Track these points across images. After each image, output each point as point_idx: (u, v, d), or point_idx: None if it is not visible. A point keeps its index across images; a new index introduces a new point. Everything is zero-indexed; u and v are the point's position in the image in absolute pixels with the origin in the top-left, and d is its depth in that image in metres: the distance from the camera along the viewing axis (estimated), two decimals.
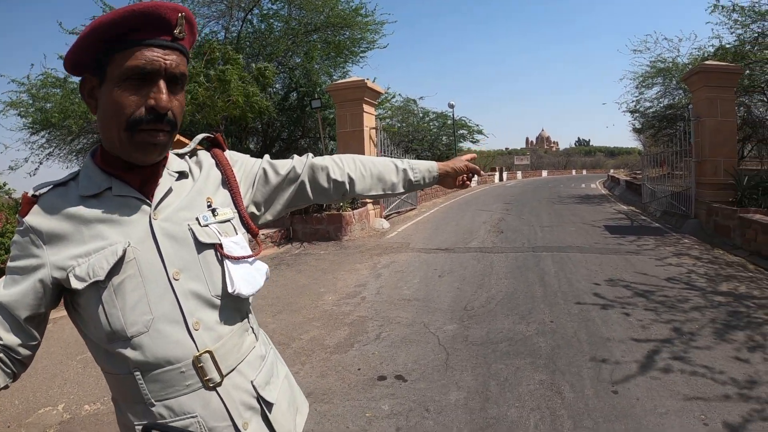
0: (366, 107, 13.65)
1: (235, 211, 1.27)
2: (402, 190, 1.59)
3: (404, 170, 1.57)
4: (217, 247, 1.17)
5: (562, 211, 16.46)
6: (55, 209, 1.10)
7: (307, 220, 11.41)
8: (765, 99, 16.87)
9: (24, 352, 1.11)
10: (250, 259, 1.22)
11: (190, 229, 1.15)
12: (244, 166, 1.36)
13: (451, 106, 34.12)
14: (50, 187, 1.14)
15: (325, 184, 1.45)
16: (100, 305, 1.07)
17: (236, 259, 1.19)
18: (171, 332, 1.09)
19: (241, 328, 1.22)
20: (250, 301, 1.29)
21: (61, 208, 1.10)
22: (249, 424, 1.17)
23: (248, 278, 1.20)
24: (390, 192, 1.57)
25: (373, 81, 13.93)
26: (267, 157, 1.44)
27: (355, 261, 9.08)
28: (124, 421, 1.16)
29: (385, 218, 13.86)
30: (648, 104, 22.04)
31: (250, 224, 1.29)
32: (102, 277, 1.06)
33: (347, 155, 1.55)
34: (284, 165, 1.41)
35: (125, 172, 1.14)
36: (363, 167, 1.52)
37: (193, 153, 1.31)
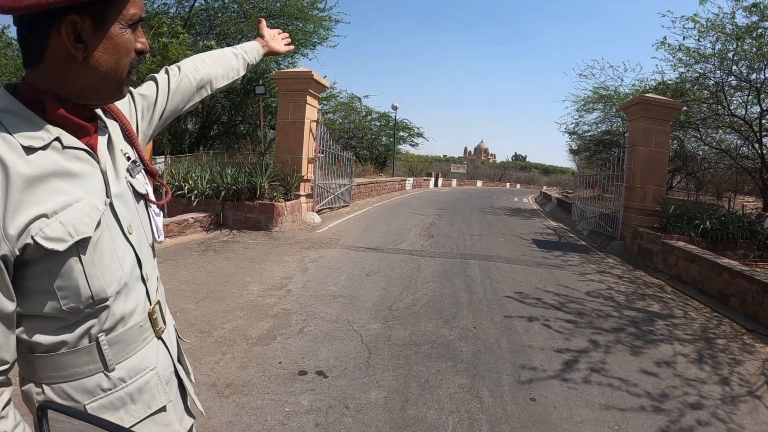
0: (310, 99, 13.49)
1: (135, 152, 1.23)
2: (243, 72, 1.74)
3: (242, 56, 1.71)
4: (146, 197, 1.19)
5: (493, 221, 16.78)
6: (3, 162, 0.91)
7: (238, 208, 11.16)
8: (698, 136, 17.82)
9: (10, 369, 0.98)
10: (156, 206, 1.24)
11: (128, 182, 1.12)
12: (132, 115, 1.29)
13: (395, 108, 34.31)
14: None
15: (189, 83, 1.46)
16: (77, 267, 0.97)
17: (158, 208, 1.23)
18: (134, 287, 1.09)
19: (156, 267, 1.23)
20: None
21: (6, 159, 0.91)
22: (180, 367, 1.21)
23: (160, 226, 1.23)
24: (236, 76, 1.69)
25: (325, 77, 13.80)
26: (131, 89, 1.32)
27: (284, 253, 8.94)
28: (76, 398, 1.03)
29: (317, 212, 13.74)
30: (587, 127, 23.00)
31: (149, 166, 1.26)
32: (90, 234, 0.98)
33: (191, 58, 1.55)
34: (150, 87, 1.38)
35: (65, 120, 1.02)
36: (215, 61, 1.58)
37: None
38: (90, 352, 1.01)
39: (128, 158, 1.16)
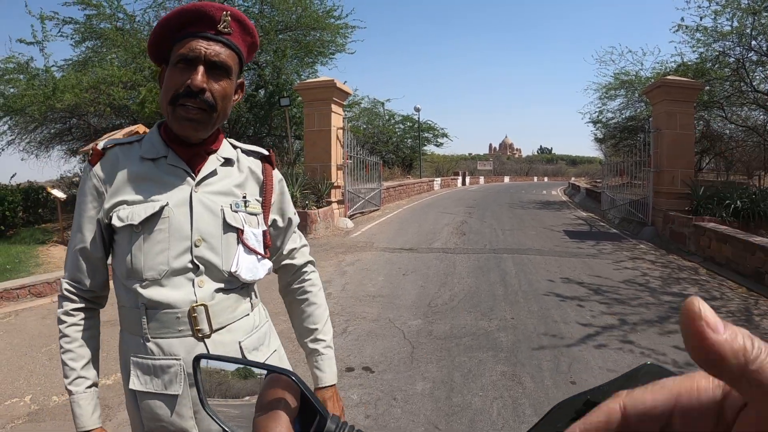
0: (334, 107, 13.74)
1: (262, 214, 1.46)
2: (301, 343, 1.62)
3: (319, 352, 1.56)
4: (239, 232, 1.36)
5: (523, 215, 16.81)
6: (118, 162, 1.33)
7: None
8: (723, 114, 17.55)
9: (103, 292, 1.43)
10: (258, 256, 1.40)
11: (222, 210, 1.34)
12: (282, 201, 1.55)
13: (417, 110, 34.42)
14: (117, 143, 1.37)
15: (283, 279, 1.65)
16: (129, 246, 1.29)
17: (249, 249, 1.37)
18: (178, 283, 1.28)
19: (239, 295, 1.37)
20: (256, 284, 1.47)
21: (124, 162, 1.32)
22: None
23: (251, 267, 1.37)
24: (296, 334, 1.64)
25: (345, 83, 14.04)
26: (297, 220, 1.65)
27: (321, 258, 9.15)
28: (122, 350, 1.36)
29: (349, 218, 13.96)
30: (610, 115, 22.75)
31: (267, 235, 1.47)
32: (136, 223, 1.27)
33: (320, 291, 1.65)
34: (293, 241, 1.62)
35: (179, 146, 1.35)
36: (305, 314, 1.60)
37: (250, 153, 1.49)
38: (137, 317, 1.28)
39: (243, 197, 1.40)
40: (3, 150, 17.59)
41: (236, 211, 1.36)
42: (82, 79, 13.77)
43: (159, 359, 1.26)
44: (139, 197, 1.29)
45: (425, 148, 40.10)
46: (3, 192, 11.91)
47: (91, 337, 1.38)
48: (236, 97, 1.40)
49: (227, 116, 1.38)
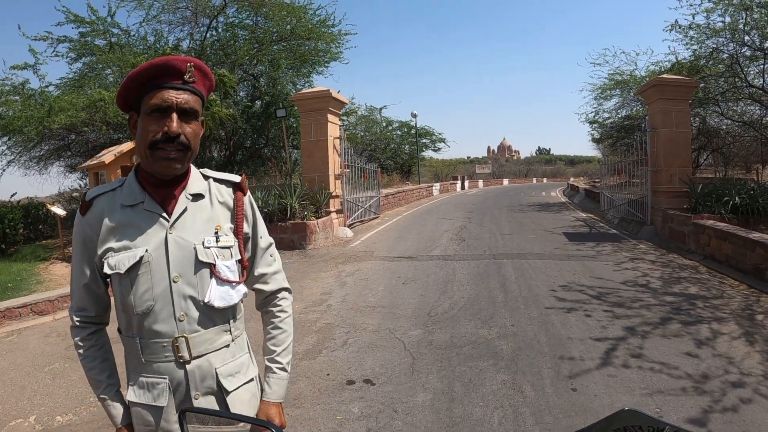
0: (330, 117, 13.78)
1: (236, 240, 1.60)
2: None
3: (272, 371, 1.69)
4: (212, 267, 1.52)
5: (522, 219, 16.82)
6: (104, 212, 1.51)
7: (271, 229, 11.39)
8: (719, 110, 17.59)
9: (107, 312, 1.66)
10: (232, 284, 1.56)
11: (194, 249, 1.51)
12: (253, 225, 1.70)
13: (414, 116, 34.53)
14: (101, 192, 1.55)
15: (257, 300, 1.80)
16: (119, 288, 1.49)
17: (222, 281, 1.53)
18: (163, 317, 1.47)
19: (219, 329, 1.56)
20: (237, 314, 1.64)
21: (108, 211, 1.51)
22: (199, 396, 1.51)
23: (224, 296, 1.53)
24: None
25: (338, 92, 14.08)
26: (269, 241, 1.77)
27: (320, 269, 9.17)
28: (127, 366, 1.57)
29: (348, 227, 13.97)
30: (606, 115, 22.78)
31: (243, 261, 1.63)
32: (122, 271, 1.46)
33: (288, 318, 1.78)
34: (266, 265, 1.75)
35: (153, 188, 1.52)
36: (273, 337, 1.74)
37: (221, 182, 1.65)
38: (133, 344, 1.51)
39: (215, 232, 1.55)
40: (3, 171, 17.71)
41: (208, 247, 1.52)
42: (77, 102, 13.83)
43: (151, 377, 1.50)
44: (123, 244, 1.48)
45: (423, 153, 40.20)
46: (3, 210, 11.94)
47: (107, 352, 1.63)
48: (201, 131, 1.56)
49: (197, 151, 1.55)
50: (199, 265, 1.50)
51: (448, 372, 4.47)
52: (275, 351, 1.70)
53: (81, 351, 1.58)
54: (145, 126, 1.44)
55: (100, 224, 1.51)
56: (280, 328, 1.74)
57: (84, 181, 20.84)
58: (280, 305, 1.76)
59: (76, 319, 1.59)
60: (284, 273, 1.84)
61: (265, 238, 1.74)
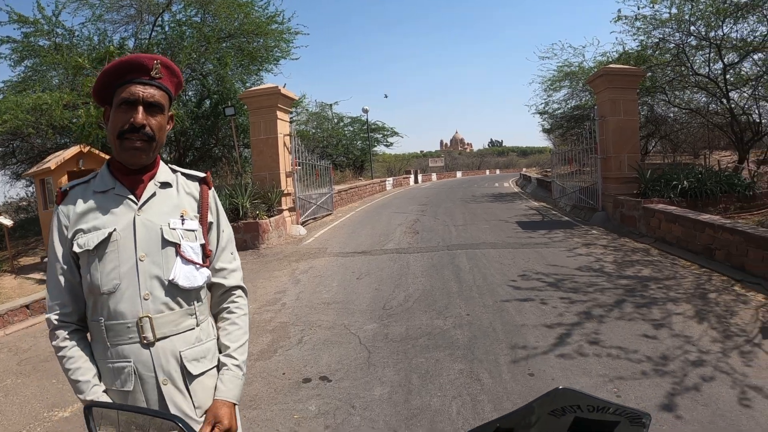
0: (280, 114, 13.60)
1: (200, 227, 1.68)
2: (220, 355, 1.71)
3: (228, 362, 1.67)
4: (177, 247, 1.59)
5: (475, 209, 16.97)
6: (77, 199, 1.59)
7: None
8: (666, 99, 18.12)
9: (82, 313, 1.61)
10: (197, 266, 1.63)
11: (161, 229, 1.58)
12: (217, 217, 1.77)
13: (365, 111, 34.50)
14: (76, 183, 1.63)
15: (213, 298, 1.79)
16: (88, 267, 1.53)
17: (186, 260, 1.60)
18: (128, 296, 1.51)
19: (183, 311, 1.59)
20: (202, 298, 1.67)
21: (81, 198, 1.59)
22: (167, 382, 1.53)
23: (188, 276, 1.59)
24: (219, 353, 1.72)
25: (283, 86, 13.91)
26: (230, 233, 1.82)
27: (274, 268, 9.05)
28: (96, 359, 1.57)
29: (301, 225, 13.83)
30: (556, 106, 23.21)
31: (206, 247, 1.69)
32: (91, 248, 1.52)
33: (244, 316, 1.79)
34: (226, 260, 1.77)
35: (124, 176, 1.61)
36: (229, 333, 1.73)
37: (189, 176, 1.75)
38: (99, 328, 1.54)
39: (181, 216, 1.64)
40: None
41: (174, 229, 1.59)
42: (22, 102, 13.30)
43: (116, 362, 1.51)
44: (93, 225, 1.55)
45: (375, 148, 40.19)
46: None
47: (91, 353, 1.58)
48: (168, 126, 1.67)
49: (163, 144, 1.67)
50: (165, 243, 1.57)
51: (404, 364, 4.44)
52: (230, 347, 1.68)
53: (62, 352, 1.54)
54: (115, 118, 1.55)
55: (74, 209, 1.58)
56: (236, 324, 1.73)
57: (30, 189, 20.14)
58: (237, 302, 1.77)
59: (54, 317, 1.56)
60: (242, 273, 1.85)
61: (227, 232, 1.80)
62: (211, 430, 1.47)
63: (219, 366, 1.66)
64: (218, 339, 1.71)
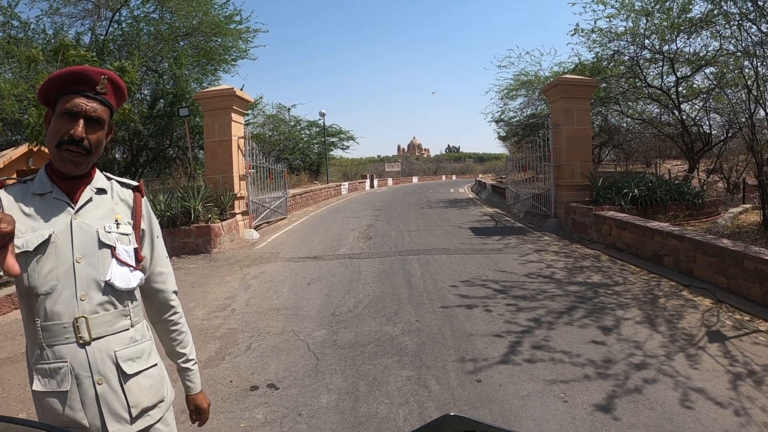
0: (235, 116, 13.45)
1: (133, 232, 1.73)
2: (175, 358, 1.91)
3: (184, 363, 1.90)
4: (112, 249, 1.63)
5: (430, 215, 17.11)
6: (17, 196, 1.58)
7: (174, 233, 10.99)
8: (620, 109, 18.68)
9: None
10: (131, 268, 1.67)
11: (97, 232, 1.62)
12: (149, 224, 1.83)
13: (322, 115, 34.50)
14: (15, 182, 1.63)
15: (152, 305, 1.87)
16: (26, 268, 1.52)
17: (121, 262, 1.65)
18: (65, 297, 1.54)
19: (118, 312, 1.64)
20: (136, 299, 1.72)
21: (20, 198, 1.58)
22: (102, 381, 1.56)
23: (124, 277, 1.64)
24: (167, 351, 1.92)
25: (241, 89, 13.78)
26: (162, 243, 1.88)
27: (225, 273, 8.94)
28: (28, 360, 1.60)
29: (254, 229, 13.70)
30: (512, 114, 23.74)
31: (139, 251, 1.74)
32: (31, 249, 1.51)
33: (184, 318, 1.94)
34: (162, 265, 1.87)
35: (62, 180, 1.63)
36: (171, 338, 1.90)
37: (123, 184, 1.79)
38: (35, 329, 1.54)
39: (116, 221, 1.68)
40: None
41: (109, 232, 1.63)
42: None
43: (52, 363, 1.52)
44: (31, 226, 1.54)
45: (332, 152, 40.20)
46: None
47: None
48: (108, 137, 1.70)
49: (99, 155, 1.68)
50: (101, 246, 1.61)
51: (352, 371, 4.45)
52: (185, 352, 1.89)
53: None
54: (56, 126, 1.57)
55: (11, 206, 1.57)
56: (183, 331, 1.91)
57: None
58: (178, 311, 1.90)
59: None
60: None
61: (161, 238, 1.88)
62: (198, 416, 1.94)
63: (182, 371, 1.88)
64: (170, 346, 1.89)
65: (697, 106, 16.75)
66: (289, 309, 6.45)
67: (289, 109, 33.92)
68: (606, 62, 15.76)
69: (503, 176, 30.88)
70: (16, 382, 4.70)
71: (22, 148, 11.38)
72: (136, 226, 1.75)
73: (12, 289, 7.47)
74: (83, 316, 1.55)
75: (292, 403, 3.91)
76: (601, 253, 9.32)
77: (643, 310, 5.89)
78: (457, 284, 7.27)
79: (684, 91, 15.83)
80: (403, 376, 4.31)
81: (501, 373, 4.30)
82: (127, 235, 1.69)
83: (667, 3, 13.24)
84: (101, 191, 1.71)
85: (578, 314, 5.78)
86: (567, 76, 14.08)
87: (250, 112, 15.34)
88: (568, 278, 7.45)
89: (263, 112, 29.65)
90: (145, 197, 1.84)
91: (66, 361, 1.53)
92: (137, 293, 1.73)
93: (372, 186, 44.64)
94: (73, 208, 1.62)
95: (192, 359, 1.91)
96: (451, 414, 0.82)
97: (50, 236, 1.54)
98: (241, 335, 5.57)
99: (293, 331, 5.59)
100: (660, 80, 15.69)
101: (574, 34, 15.34)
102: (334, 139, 38.57)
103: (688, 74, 15.32)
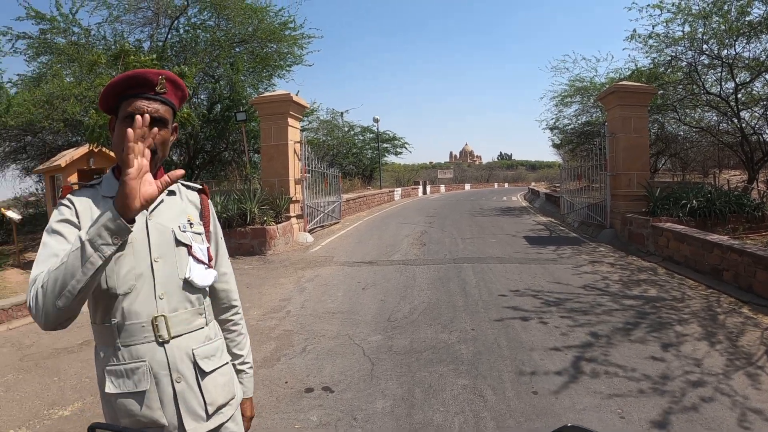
0: (291, 121, 13.65)
1: (204, 231, 1.76)
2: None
3: (245, 372, 1.92)
4: (188, 247, 1.66)
5: (483, 223, 16.94)
6: (87, 199, 1.59)
7: (230, 235, 11.22)
8: (677, 117, 18.09)
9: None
10: (205, 265, 1.70)
11: (173, 231, 1.64)
12: (215, 226, 1.85)
13: (376, 121, 34.64)
14: (82, 186, 1.65)
15: (214, 300, 1.84)
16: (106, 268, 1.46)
17: (197, 260, 1.67)
18: (143, 296, 1.55)
19: (194, 310, 1.65)
20: (209, 297, 1.74)
21: (91, 200, 1.59)
22: (181, 379, 1.57)
23: (201, 275, 1.66)
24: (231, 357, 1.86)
25: (297, 94, 13.96)
26: (224, 250, 1.91)
27: (280, 275, 9.05)
28: (97, 363, 1.58)
29: (308, 232, 13.84)
30: (567, 121, 23.26)
31: (209, 251, 1.76)
32: None
33: (243, 320, 1.97)
34: (225, 265, 1.89)
35: None
36: (240, 341, 1.92)
37: (188, 187, 1.83)
38: (110, 330, 1.53)
39: (188, 221, 1.71)
40: None
41: (184, 231, 1.66)
42: (35, 93, 13.36)
43: (128, 363, 1.52)
44: None
45: (385, 158, 40.28)
46: None
47: None
48: (173, 137, 1.72)
49: (166, 155, 1.70)
50: (178, 244, 1.64)
51: (408, 378, 4.42)
52: (243, 355, 1.91)
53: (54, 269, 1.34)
54: (120, 131, 1.55)
55: (82, 208, 1.57)
56: (243, 333, 1.93)
57: (40, 185, 20.26)
58: (236, 306, 1.91)
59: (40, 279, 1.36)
60: None
61: (223, 239, 1.91)
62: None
63: (237, 372, 1.87)
64: (228, 346, 1.85)
65: (757, 114, 16.07)
66: (344, 313, 6.48)
67: (342, 114, 34.20)
68: (663, 68, 15.30)
69: (557, 185, 30.34)
70: (73, 372, 4.88)
71: (83, 149, 11.74)
72: (205, 227, 1.78)
73: None
74: (162, 315, 1.56)
75: (347, 407, 3.91)
76: (658, 266, 9.02)
77: (702, 326, 5.65)
78: (512, 294, 7.16)
79: (743, 98, 15.24)
80: (458, 384, 4.25)
81: (557, 385, 4.19)
82: (199, 234, 1.72)
83: (725, 6, 12.78)
84: (171, 193, 1.74)
85: (635, 329, 5.59)
86: (624, 82, 13.73)
87: (305, 118, 15.51)
88: (624, 291, 7.22)
89: (317, 117, 29.98)
90: (209, 199, 1.87)
91: (144, 361, 1.53)
92: (207, 291, 1.74)
93: (425, 192, 44.57)
94: (147, 209, 1.60)
95: (248, 362, 1.93)
96: (569, 425, 0.79)
97: (127, 239, 1.52)
98: (296, 337, 5.62)
99: (348, 335, 5.60)
100: (718, 87, 15.15)
101: (631, 39, 14.98)
102: (387, 145, 38.69)
103: (748, 80, 14.75)
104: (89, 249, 1.31)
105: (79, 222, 1.53)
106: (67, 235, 1.49)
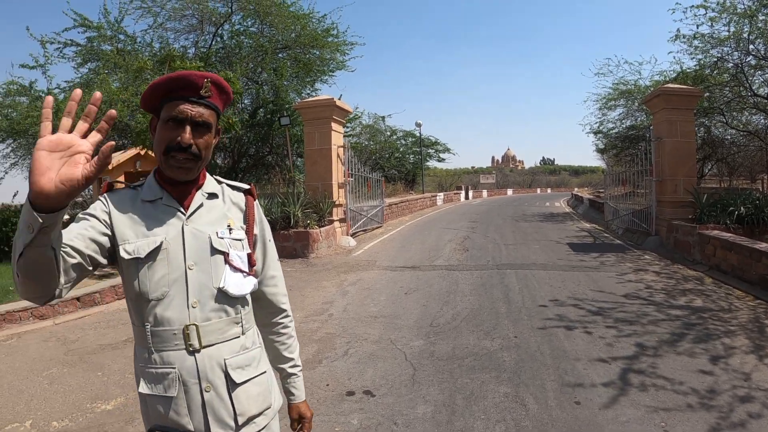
0: (334, 125, 13.77)
1: (246, 237, 1.70)
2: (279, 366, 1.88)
3: (290, 368, 1.87)
4: (225, 255, 1.61)
5: (526, 229, 16.75)
6: (125, 201, 1.59)
7: (274, 237, 11.28)
8: (724, 120, 17.55)
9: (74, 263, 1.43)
10: (244, 273, 1.64)
11: (209, 238, 1.60)
12: (262, 228, 1.80)
13: (418, 125, 34.62)
14: (124, 186, 1.65)
15: (261, 304, 1.82)
16: (137, 274, 1.53)
17: (234, 268, 1.62)
18: (176, 304, 1.53)
19: (230, 320, 1.61)
20: (248, 305, 1.69)
21: (129, 203, 1.59)
22: (210, 388, 1.54)
23: (237, 283, 1.61)
24: (274, 362, 1.87)
25: (339, 98, 14.07)
26: (274, 247, 1.89)
27: (322, 278, 9.13)
28: (135, 361, 1.60)
29: (351, 236, 13.93)
30: (611, 125, 22.75)
31: (251, 256, 1.71)
32: (142, 256, 1.52)
33: (293, 324, 1.92)
34: (274, 268, 1.85)
35: (171, 186, 1.63)
36: (279, 347, 1.86)
37: (234, 188, 1.78)
38: (144, 333, 1.53)
39: (228, 226, 1.66)
40: (6, 173, 17.71)
41: (222, 238, 1.61)
42: (83, 98, 13.75)
43: (160, 368, 1.52)
44: (142, 233, 1.55)
45: (427, 163, 40.23)
46: (6, 213, 11.91)
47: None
48: (215, 140, 1.68)
49: (209, 159, 1.67)
50: (214, 252, 1.60)
51: (449, 384, 4.40)
52: (293, 359, 1.87)
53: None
54: (162, 133, 1.56)
55: (119, 208, 1.58)
56: (292, 336, 1.89)
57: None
58: (285, 310, 1.87)
59: None
60: None
61: (272, 242, 1.87)
62: (299, 425, 1.85)
63: (288, 376, 1.86)
64: (277, 350, 1.85)
65: None
66: (387, 317, 6.49)
67: (384, 119, 34.28)
68: (709, 70, 14.82)
69: (600, 190, 29.80)
70: (116, 368, 5.02)
71: (130, 152, 12.08)
72: (248, 231, 1.73)
73: (116, 280, 7.99)
74: (194, 324, 1.54)
75: (388, 411, 3.92)
76: (705, 275, 8.75)
77: (749, 338, 5.45)
78: (556, 301, 7.06)
79: None
80: (500, 392, 4.22)
81: (600, 396, 4.11)
82: (239, 240, 1.67)
83: None
84: (212, 196, 1.70)
85: (681, 340, 5.43)
86: (669, 85, 13.36)
87: (347, 119, 15.62)
88: (670, 301, 7.03)
89: (360, 122, 30.11)
90: (256, 200, 1.82)
91: (174, 367, 1.53)
92: (248, 299, 1.70)
93: (467, 197, 44.34)
94: (184, 214, 1.62)
95: (299, 365, 1.88)
96: None
97: (162, 243, 1.54)
98: (338, 340, 5.66)
99: (390, 340, 5.61)
100: (767, 88, 14.65)
101: (675, 40, 14.53)
102: (430, 150, 38.64)
103: None
104: (21, 228, 1.17)
105: (109, 220, 1.54)
106: (84, 224, 1.50)
